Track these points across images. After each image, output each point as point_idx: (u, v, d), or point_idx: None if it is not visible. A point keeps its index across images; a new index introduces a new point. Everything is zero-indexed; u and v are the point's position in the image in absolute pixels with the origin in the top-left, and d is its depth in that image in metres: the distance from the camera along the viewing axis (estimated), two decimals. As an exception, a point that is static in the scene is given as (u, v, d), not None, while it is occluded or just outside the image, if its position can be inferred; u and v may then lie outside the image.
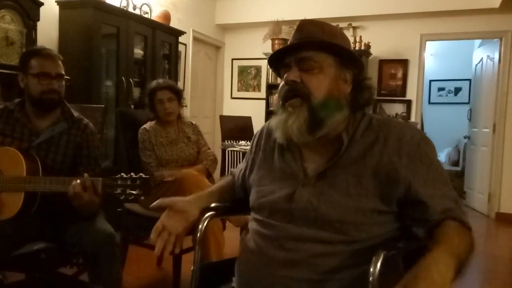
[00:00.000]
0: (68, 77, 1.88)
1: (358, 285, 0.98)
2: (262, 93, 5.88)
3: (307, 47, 1.06)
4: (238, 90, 6.21)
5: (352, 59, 1.09)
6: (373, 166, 1.03)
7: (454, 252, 0.87)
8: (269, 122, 1.22)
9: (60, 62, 1.83)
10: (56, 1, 3.36)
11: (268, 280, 1.05)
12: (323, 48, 1.07)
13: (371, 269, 0.92)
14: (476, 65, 5.61)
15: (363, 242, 1.01)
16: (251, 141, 1.32)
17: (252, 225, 1.17)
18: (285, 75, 1.09)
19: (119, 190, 1.52)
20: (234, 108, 6.07)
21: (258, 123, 4.39)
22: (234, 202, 1.37)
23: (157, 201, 1.22)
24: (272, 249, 1.06)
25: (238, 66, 6.16)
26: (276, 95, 6.07)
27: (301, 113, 1.04)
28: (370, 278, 0.92)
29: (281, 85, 1.11)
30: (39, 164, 1.69)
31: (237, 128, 4.54)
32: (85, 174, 1.57)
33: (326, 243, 1.02)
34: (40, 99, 1.78)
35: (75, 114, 1.92)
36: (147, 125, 2.63)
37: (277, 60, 1.14)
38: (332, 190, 1.03)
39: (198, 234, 1.24)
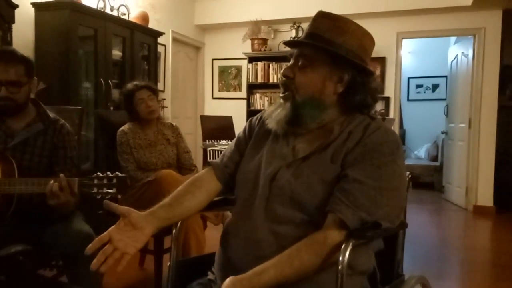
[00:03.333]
0: (38, 80, 1.83)
1: (326, 272, 1.02)
2: (243, 93, 5.90)
3: (306, 44, 1.13)
4: (219, 90, 6.22)
5: (349, 62, 1.11)
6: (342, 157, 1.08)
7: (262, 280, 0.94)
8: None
9: (18, 68, 1.73)
10: (31, 3, 3.32)
11: (245, 259, 1.08)
12: (320, 47, 1.10)
13: (340, 258, 0.95)
14: (452, 62, 5.74)
15: None
16: (247, 122, 1.34)
17: (234, 208, 1.21)
18: (283, 68, 1.17)
19: (95, 189, 1.52)
20: (215, 108, 6.08)
21: (239, 123, 4.40)
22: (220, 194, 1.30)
23: (113, 204, 1.06)
24: (251, 231, 1.10)
25: (219, 66, 6.17)
26: (257, 94, 6.11)
27: (285, 107, 1.13)
28: (339, 267, 0.95)
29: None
30: (15, 165, 1.68)
31: (218, 128, 4.55)
32: (61, 175, 1.57)
33: (298, 225, 1.05)
34: None
35: (51, 115, 1.91)
36: (125, 127, 2.61)
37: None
38: (311, 173, 1.08)
39: (174, 231, 1.26)
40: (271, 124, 1.17)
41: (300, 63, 1.12)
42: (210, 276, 1.20)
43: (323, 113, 1.12)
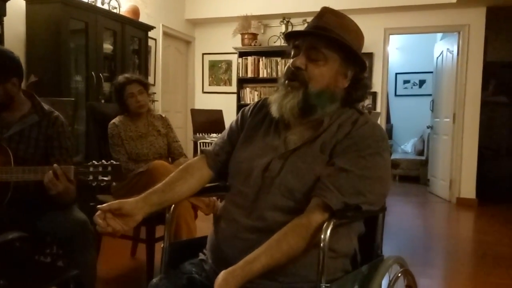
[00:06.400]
0: (29, 72, 1.86)
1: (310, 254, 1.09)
2: (233, 87, 5.96)
3: (319, 38, 1.16)
4: (209, 85, 6.26)
5: (357, 59, 1.19)
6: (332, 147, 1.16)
7: (255, 266, 0.99)
8: (264, 98, 1.34)
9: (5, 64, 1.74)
10: (22, -4, 3.34)
11: (233, 241, 1.15)
12: (333, 43, 1.16)
13: (322, 235, 1.02)
14: (437, 58, 5.86)
15: None
16: (239, 113, 1.38)
17: (227, 195, 1.27)
18: (292, 60, 1.19)
19: (91, 177, 1.57)
20: (205, 102, 6.13)
21: (229, 116, 4.46)
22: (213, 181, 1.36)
23: (105, 204, 1.13)
24: (242, 216, 1.16)
25: (209, 61, 6.21)
26: (247, 88, 6.13)
27: (297, 95, 1.15)
28: (321, 244, 1.02)
29: (288, 65, 1.22)
30: (11, 155, 1.73)
31: (208, 121, 4.62)
32: (55, 165, 1.62)
33: (286, 211, 1.12)
34: None
35: (46, 107, 1.95)
36: (116, 120, 2.66)
37: (291, 37, 1.24)
38: (301, 163, 1.15)
39: (167, 215, 1.32)
40: (278, 110, 1.18)
41: (313, 56, 1.16)
42: (201, 256, 1.27)
43: (333, 105, 1.18)
